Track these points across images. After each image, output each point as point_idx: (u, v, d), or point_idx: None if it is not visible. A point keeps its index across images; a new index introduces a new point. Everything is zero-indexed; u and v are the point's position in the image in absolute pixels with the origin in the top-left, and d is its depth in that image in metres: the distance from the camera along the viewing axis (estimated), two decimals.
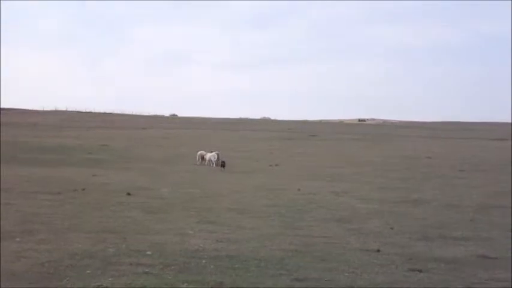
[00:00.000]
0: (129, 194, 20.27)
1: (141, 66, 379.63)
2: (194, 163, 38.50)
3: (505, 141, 69.75)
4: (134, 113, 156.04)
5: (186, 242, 12.04)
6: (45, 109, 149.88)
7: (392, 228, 14.62)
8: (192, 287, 8.60)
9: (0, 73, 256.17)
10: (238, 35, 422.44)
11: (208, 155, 39.29)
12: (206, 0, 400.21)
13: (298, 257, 10.99)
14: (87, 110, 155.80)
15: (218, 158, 38.88)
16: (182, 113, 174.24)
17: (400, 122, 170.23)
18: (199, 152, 40.48)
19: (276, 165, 37.63)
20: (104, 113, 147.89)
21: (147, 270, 9.52)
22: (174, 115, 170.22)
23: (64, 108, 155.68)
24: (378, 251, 11.74)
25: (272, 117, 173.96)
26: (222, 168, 33.92)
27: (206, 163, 38.32)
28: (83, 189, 21.11)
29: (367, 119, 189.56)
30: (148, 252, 10.87)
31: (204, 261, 10.33)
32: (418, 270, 10.12)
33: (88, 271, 9.36)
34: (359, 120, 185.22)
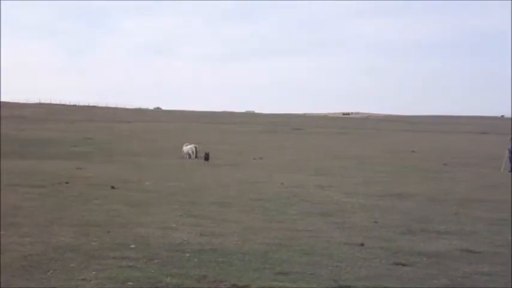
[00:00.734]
0: (113, 187, 20.20)
1: (125, 59, 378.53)
2: (181, 156, 38.44)
3: (490, 135, 70.24)
4: (118, 106, 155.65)
5: (170, 236, 12.02)
6: (29, 102, 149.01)
7: (376, 222, 14.66)
8: (175, 280, 8.58)
9: None
10: (223, 27, 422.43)
11: (185, 148, 39.23)
12: None
13: (282, 250, 11.00)
14: (72, 103, 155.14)
15: (196, 150, 38.89)
16: (166, 106, 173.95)
17: (385, 116, 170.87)
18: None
19: (260, 158, 37.66)
20: (88, 106, 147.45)
21: (131, 263, 9.50)
22: (158, 108, 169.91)
23: (48, 101, 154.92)
24: (362, 244, 11.77)
25: (256, 111, 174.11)
26: (206, 162, 33.87)
27: (184, 156, 38.27)
28: (67, 183, 21.03)
29: (352, 113, 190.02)
30: (132, 246, 10.84)
31: (187, 254, 10.31)
32: (402, 264, 10.16)
33: (72, 264, 9.33)
34: (343, 114, 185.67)
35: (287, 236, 12.49)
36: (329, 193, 20.60)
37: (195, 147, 39.09)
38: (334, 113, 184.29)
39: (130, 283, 8.40)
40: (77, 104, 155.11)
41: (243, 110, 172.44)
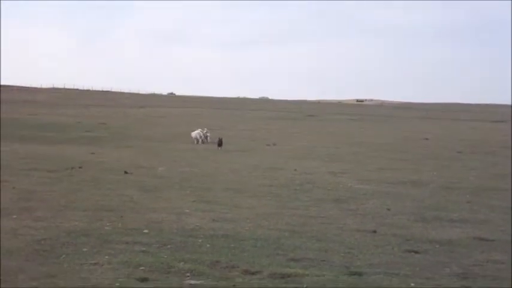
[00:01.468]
0: (126, 172, 20.24)
1: (139, 44, 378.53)
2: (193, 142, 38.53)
3: (505, 123, 69.76)
4: (132, 91, 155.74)
5: (183, 221, 12.05)
6: (42, 87, 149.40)
7: (389, 209, 14.63)
8: (188, 265, 8.62)
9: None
10: (237, 13, 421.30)
11: (193, 133, 39.22)
12: None
13: (295, 237, 11.02)
14: (86, 88, 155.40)
15: (204, 135, 38.90)
16: (180, 91, 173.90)
17: (399, 103, 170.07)
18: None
19: (274, 144, 37.60)
20: (102, 91, 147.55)
21: (143, 248, 9.54)
22: (171, 94, 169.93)
23: (62, 86, 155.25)
24: (375, 231, 11.76)
25: (270, 97, 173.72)
26: (219, 147, 33.85)
27: (193, 141, 38.30)
28: (80, 167, 21.09)
29: (366, 100, 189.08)
30: (145, 231, 10.89)
31: (200, 240, 10.35)
32: (414, 252, 10.16)
33: (84, 249, 9.38)
34: (357, 100, 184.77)
35: (299, 222, 12.50)
36: (342, 180, 20.55)
37: (202, 132, 39.07)
38: (348, 100, 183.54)
39: (142, 268, 8.44)
40: (91, 88, 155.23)
41: (256, 97, 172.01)
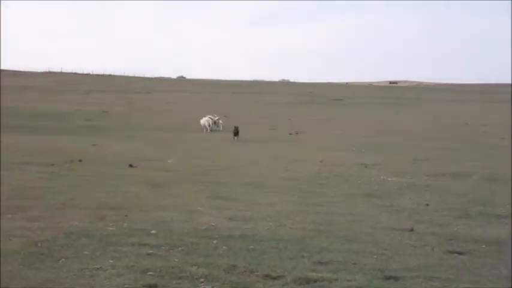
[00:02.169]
0: (131, 165, 20.31)
1: (145, 22, 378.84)
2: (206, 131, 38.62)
3: None
4: (137, 75, 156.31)
5: (195, 220, 12.04)
6: (38, 71, 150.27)
7: (427, 205, 14.55)
8: (201, 270, 8.59)
9: None
10: None
11: (202, 120, 39.31)
12: None
13: (321, 237, 10.96)
14: (85, 72, 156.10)
15: (214, 122, 39.02)
16: (191, 74, 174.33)
17: (436, 84, 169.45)
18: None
19: (296, 133, 37.61)
20: (104, 75, 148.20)
21: (151, 251, 9.53)
22: (181, 77, 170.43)
23: (59, 70, 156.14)
24: (412, 230, 11.68)
25: (292, 79, 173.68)
26: (236, 137, 33.86)
27: (202, 129, 38.45)
28: (80, 161, 21.18)
29: (399, 81, 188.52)
30: (153, 231, 10.88)
31: (215, 241, 10.32)
32: (457, 253, 10.06)
33: (86, 252, 9.38)
34: (390, 82, 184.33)
35: (326, 221, 12.44)
36: (374, 172, 20.49)
37: (211, 118, 39.18)
38: (380, 82, 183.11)
39: (151, 273, 8.42)
40: (91, 72, 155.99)
41: (276, 79, 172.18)
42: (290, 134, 37.28)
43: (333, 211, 13.63)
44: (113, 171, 19.01)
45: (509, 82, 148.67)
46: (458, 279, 8.59)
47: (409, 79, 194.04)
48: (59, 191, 15.07)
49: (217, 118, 40.27)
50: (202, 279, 8.26)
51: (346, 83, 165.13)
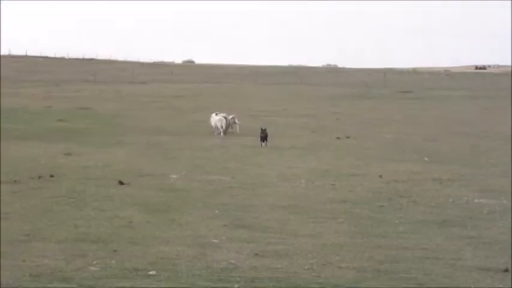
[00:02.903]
0: (121, 182, 20.37)
1: None
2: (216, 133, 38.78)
3: None
4: (129, 60, 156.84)
5: (209, 257, 12.08)
6: None
7: None
8: None
9: None
10: None
11: (212, 120, 39.43)
12: None
13: (382, 279, 10.98)
14: (58, 56, 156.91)
15: (228, 123, 39.10)
16: (201, 58, 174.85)
17: None
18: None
19: (347, 137, 37.58)
20: (83, 60, 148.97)
21: None
22: (189, 61, 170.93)
23: (23, 53, 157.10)
24: (506, 270, 11.65)
25: (340, 65, 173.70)
26: (263, 143, 33.83)
27: (213, 130, 38.62)
28: (52, 176, 21.29)
29: (489, 66, 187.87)
30: (152, 272, 10.93)
31: (236, 286, 10.35)
32: None
33: None
34: (476, 68, 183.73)
35: (389, 258, 12.44)
36: (453, 190, 20.41)
37: (226, 118, 39.32)
38: (463, 67, 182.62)
39: None
40: (66, 56, 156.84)
41: (319, 64, 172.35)
42: (338, 138, 37.23)
43: (398, 244, 13.62)
44: (96, 191, 19.06)
45: None
46: None
47: (501, 64, 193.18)
48: (23, 218, 15.17)
49: (231, 117, 40.32)
50: None
51: (414, 69, 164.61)
